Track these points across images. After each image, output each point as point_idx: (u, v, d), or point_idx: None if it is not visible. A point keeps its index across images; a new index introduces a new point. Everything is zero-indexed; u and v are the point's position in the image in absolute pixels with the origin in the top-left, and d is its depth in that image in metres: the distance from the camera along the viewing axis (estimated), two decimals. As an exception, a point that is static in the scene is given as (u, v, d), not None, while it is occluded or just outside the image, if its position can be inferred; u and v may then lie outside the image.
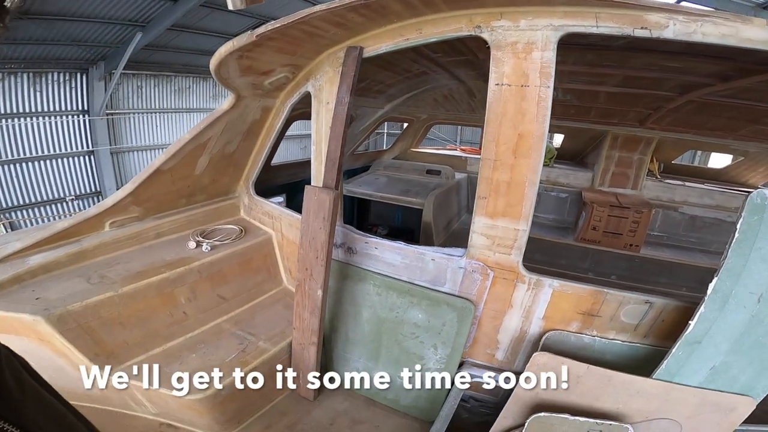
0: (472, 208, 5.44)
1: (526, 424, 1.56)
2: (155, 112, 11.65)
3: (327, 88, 2.14)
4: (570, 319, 1.79)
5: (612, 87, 3.38)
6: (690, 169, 6.07)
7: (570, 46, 2.42)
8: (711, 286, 1.38)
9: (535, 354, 1.60)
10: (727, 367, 1.43)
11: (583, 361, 1.59)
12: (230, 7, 1.46)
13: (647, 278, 4.05)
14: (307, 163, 2.85)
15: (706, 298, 1.39)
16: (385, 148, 6.61)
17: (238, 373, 2.01)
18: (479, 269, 1.90)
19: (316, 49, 2.07)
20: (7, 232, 6.76)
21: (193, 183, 2.86)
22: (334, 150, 1.96)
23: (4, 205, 8.87)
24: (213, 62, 2.02)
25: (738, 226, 1.31)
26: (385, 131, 15.38)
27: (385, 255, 2.15)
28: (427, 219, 3.97)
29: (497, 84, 1.66)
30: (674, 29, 1.41)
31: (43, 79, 9.25)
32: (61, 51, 8.82)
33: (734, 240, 1.32)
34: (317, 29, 1.81)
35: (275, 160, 3.99)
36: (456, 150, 6.80)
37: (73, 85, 9.78)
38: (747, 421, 1.55)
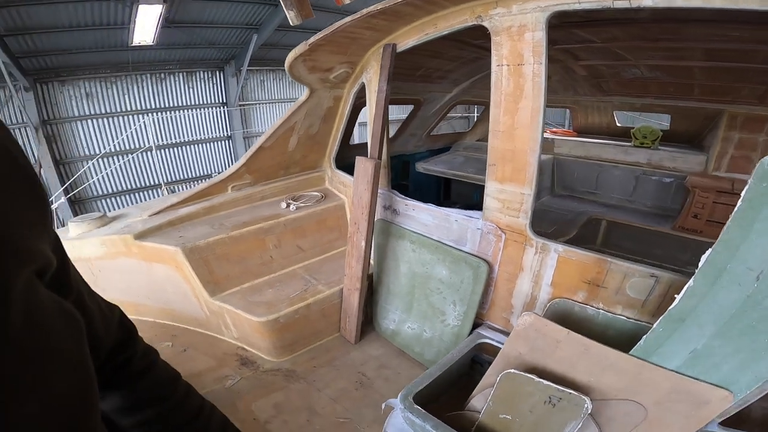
0: (555, 189, 5.20)
1: (497, 379, 1.60)
2: (275, 102, 13.58)
3: (374, 79, 2.52)
4: (576, 287, 1.85)
5: (701, 62, 2.97)
6: None
7: (604, 21, 2.32)
8: (704, 257, 1.25)
9: (523, 313, 1.67)
10: (710, 352, 1.27)
11: (585, 333, 1.55)
12: (291, 23, 1.92)
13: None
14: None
15: (697, 271, 1.26)
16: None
17: (294, 306, 2.54)
18: (493, 230, 2.08)
19: (362, 48, 2.46)
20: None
21: (287, 158, 3.55)
22: (376, 128, 2.36)
23: (168, 180, 11.63)
24: (286, 65, 2.55)
25: (743, 194, 1.18)
26: (475, 115, 15.07)
27: (420, 215, 2.46)
28: (493, 198, 4.06)
29: (498, 65, 1.84)
30: None
31: (193, 77, 11.67)
32: (202, 53, 10.95)
33: (737, 209, 1.18)
34: (354, 33, 2.20)
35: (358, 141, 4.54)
36: (546, 132, 6.49)
37: (215, 82, 12.10)
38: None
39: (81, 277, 0.59)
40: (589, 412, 1.37)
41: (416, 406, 1.63)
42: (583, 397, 1.39)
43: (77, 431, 0.42)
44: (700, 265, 1.26)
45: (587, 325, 1.78)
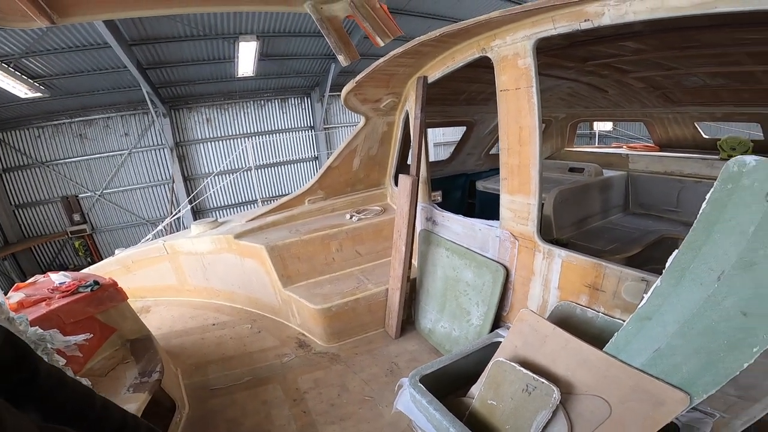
0: (630, 207, 5.06)
1: (488, 366, 1.67)
2: (355, 126, 14.97)
3: (413, 106, 2.95)
4: (579, 291, 1.97)
5: (755, 65, 2.79)
6: None
7: (612, 37, 2.42)
8: (671, 258, 1.29)
9: (522, 309, 1.82)
10: (672, 352, 1.28)
11: (583, 335, 1.61)
12: (342, 65, 2.43)
13: None
14: (434, 163, 3.54)
15: (664, 271, 1.31)
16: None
17: (345, 299, 3.05)
18: (509, 238, 2.33)
19: (401, 81, 2.92)
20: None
21: (353, 176, 4.14)
22: (414, 150, 2.79)
23: (264, 196, 13.42)
24: (342, 99, 3.11)
25: (708, 196, 1.19)
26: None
27: (453, 225, 2.80)
28: (547, 212, 4.12)
29: (501, 90, 2.13)
30: (610, 15, 1.53)
31: (286, 103, 13.55)
32: (292, 81, 12.66)
33: (702, 210, 1.21)
34: (390, 71, 2.68)
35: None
36: (622, 147, 6.17)
37: (303, 107, 13.86)
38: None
39: None
40: (558, 402, 1.44)
41: (420, 384, 1.83)
42: (553, 387, 1.46)
43: None
44: (667, 265, 1.29)
45: (586, 328, 1.88)
